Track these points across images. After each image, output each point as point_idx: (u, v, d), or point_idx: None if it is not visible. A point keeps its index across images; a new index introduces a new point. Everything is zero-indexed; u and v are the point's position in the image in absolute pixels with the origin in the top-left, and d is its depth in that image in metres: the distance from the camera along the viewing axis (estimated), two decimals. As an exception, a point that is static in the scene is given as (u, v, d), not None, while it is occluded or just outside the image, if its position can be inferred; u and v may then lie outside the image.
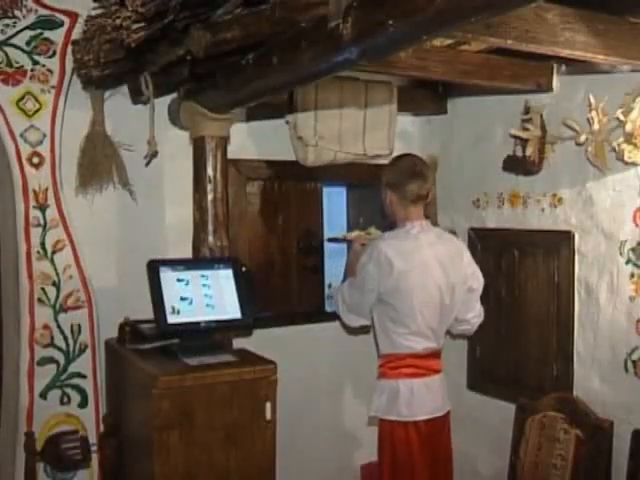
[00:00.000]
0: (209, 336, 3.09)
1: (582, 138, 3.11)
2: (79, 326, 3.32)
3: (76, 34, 3.14)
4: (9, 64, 3.14)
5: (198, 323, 2.98)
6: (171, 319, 2.93)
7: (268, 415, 2.86)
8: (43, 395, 3.26)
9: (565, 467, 3.11)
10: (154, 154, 3.28)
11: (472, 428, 3.85)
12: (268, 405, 2.86)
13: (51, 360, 3.28)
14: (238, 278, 3.10)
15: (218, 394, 2.80)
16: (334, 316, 4.19)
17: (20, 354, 3.24)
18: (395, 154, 3.82)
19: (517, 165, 3.52)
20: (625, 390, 3.07)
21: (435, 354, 3.10)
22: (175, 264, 3.06)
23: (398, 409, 3.00)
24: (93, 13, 2.78)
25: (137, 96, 3.33)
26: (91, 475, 3.32)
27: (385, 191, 3.09)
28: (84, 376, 3.33)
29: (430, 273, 3.02)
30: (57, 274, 3.28)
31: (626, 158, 2.93)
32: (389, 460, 3.05)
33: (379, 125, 3.77)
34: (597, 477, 3.04)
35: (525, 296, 3.56)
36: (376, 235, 3.34)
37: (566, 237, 3.31)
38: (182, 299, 2.98)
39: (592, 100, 3.02)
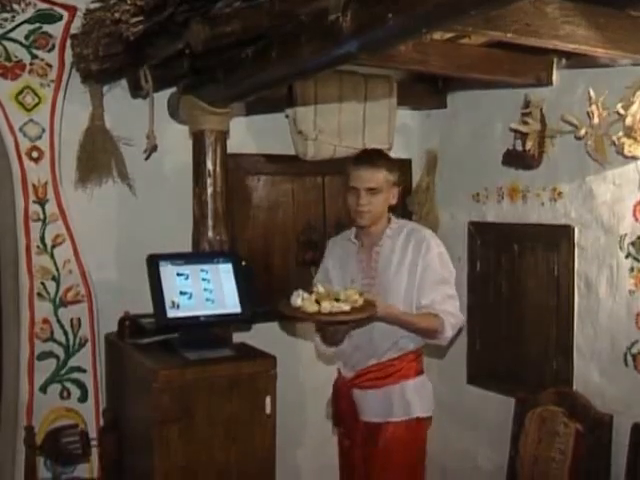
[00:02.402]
0: (209, 330, 3.09)
1: (582, 132, 3.10)
2: (79, 320, 3.32)
3: (75, 28, 3.13)
4: (8, 58, 3.14)
5: (198, 317, 2.98)
6: (171, 313, 2.93)
7: (268, 409, 2.87)
8: (43, 389, 3.26)
9: (564, 461, 3.11)
10: (153, 148, 3.27)
11: (472, 422, 3.86)
12: (268, 399, 2.86)
13: (51, 354, 3.28)
14: (238, 272, 3.10)
15: (218, 388, 2.80)
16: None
17: (20, 348, 3.24)
18: (395, 148, 3.83)
19: (517, 159, 3.52)
20: (625, 384, 3.08)
21: None
22: (175, 258, 3.06)
23: (431, 404, 3.00)
24: (92, 7, 2.78)
25: (136, 90, 3.33)
26: (91, 469, 3.32)
27: (393, 190, 2.91)
28: (84, 370, 3.33)
29: None
30: (57, 268, 3.28)
31: (626, 152, 2.92)
32: (423, 461, 3.04)
33: (379, 119, 3.77)
34: (597, 471, 3.05)
35: (525, 290, 3.56)
36: (354, 296, 2.55)
37: (566, 231, 3.31)
38: (182, 293, 2.98)
39: (592, 94, 3.02)
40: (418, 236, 2.89)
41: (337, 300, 2.51)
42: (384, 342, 2.89)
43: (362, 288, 2.76)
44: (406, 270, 2.86)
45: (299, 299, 2.51)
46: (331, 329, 2.73)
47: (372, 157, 2.89)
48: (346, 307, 2.48)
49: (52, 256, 3.27)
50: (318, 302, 2.52)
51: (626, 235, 3.06)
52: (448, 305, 2.84)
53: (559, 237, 3.35)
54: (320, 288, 2.57)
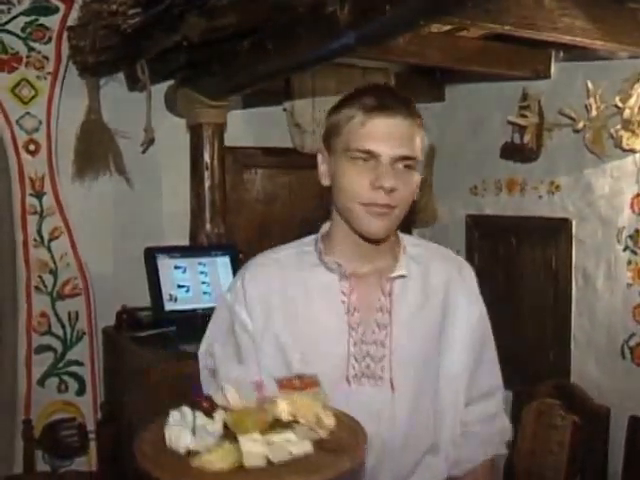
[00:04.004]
0: (207, 323, 3.08)
1: (580, 125, 3.10)
2: (76, 313, 3.32)
3: (72, 20, 3.12)
4: (4, 50, 3.13)
5: (195, 310, 2.98)
6: (168, 306, 2.94)
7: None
8: (41, 383, 3.26)
9: (561, 453, 3.11)
10: (151, 141, 3.27)
11: (469, 415, 3.86)
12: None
13: (49, 348, 3.28)
14: (235, 265, 3.10)
15: (216, 381, 2.80)
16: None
17: (18, 342, 3.24)
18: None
19: (515, 152, 3.51)
20: (621, 376, 3.08)
21: None
22: (172, 251, 3.06)
23: None
24: (88, -1, 2.77)
25: (133, 83, 3.31)
26: (89, 462, 3.32)
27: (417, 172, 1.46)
28: (82, 364, 3.33)
29: None
30: (54, 262, 3.27)
31: (624, 145, 2.92)
32: None
33: (376, 112, 3.75)
34: (594, 463, 3.05)
35: (522, 283, 3.56)
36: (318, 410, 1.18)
37: (564, 224, 3.31)
38: (179, 286, 2.99)
39: (590, 87, 3.01)
40: (461, 263, 1.63)
41: (279, 427, 1.13)
42: (411, 455, 1.49)
43: (354, 364, 1.44)
44: (448, 327, 1.54)
45: (186, 434, 1.18)
46: None
47: (401, 99, 1.44)
48: (305, 445, 1.10)
49: (49, 249, 3.27)
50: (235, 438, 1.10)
51: (624, 228, 3.06)
52: (502, 420, 1.77)
53: (557, 230, 3.34)
54: (231, 394, 1.22)
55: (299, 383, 1.30)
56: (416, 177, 1.43)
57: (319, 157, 1.49)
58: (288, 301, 1.47)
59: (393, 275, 1.47)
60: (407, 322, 1.47)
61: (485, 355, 1.66)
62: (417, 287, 1.50)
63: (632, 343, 3.04)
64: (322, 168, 1.48)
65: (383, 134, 1.37)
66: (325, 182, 1.48)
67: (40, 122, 3.23)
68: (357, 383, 1.43)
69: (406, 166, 1.39)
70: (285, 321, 1.46)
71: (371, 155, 1.37)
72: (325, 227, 1.54)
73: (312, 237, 1.55)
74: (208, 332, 1.63)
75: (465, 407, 1.57)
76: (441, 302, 1.52)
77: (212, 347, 1.58)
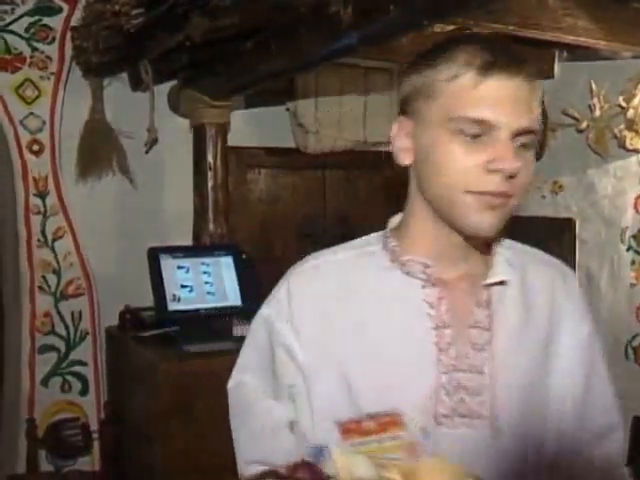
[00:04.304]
0: (210, 323, 3.09)
1: (583, 125, 3.10)
2: (80, 313, 3.32)
3: (75, 20, 3.13)
4: (8, 51, 3.13)
5: (198, 310, 2.98)
6: (171, 306, 2.94)
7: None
8: (44, 383, 3.26)
9: (565, 454, 3.11)
10: (154, 141, 3.28)
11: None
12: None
13: (52, 348, 3.28)
14: (238, 265, 3.10)
15: (218, 381, 2.76)
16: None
17: (21, 342, 3.24)
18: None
19: (518, 152, 3.51)
20: (625, 377, 3.07)
21: None
22: (175, 251, 3.06)
23: None
24: (92, -1, 2.77)
25: (137, 83, 3.32)
26: (92, 462, 3.33)
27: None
28: (85, 364, 3.33)
29: None
30: (57, 261, 3.27)
31: (627, 145, 2.92)
32: None
33: (380, 112, 3.76)
34: (597, 463, 3.05)
35: (526, 283, 3.55)
36: None
37: (567, 224, 3.31)
38: (182, 286, 2.99)
39: (593, 87, 3.01)
40: (564, 270, 1.28)
41: None
42: None
43: (445, 399, 1.07)
44: (552, 347, 1.17)
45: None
46: None
47: (520, 54, 1.06)
48: None
49: (53, 249, 3.27)
50: None
51: (627, 228, 3.06)
52: (619, 471, 1.31)
53: (560, 230, 3.34)
54: (337, 457, 0.87)
55: (373, 425, 0.95)
56: (532, 158, 1.08)
57: (395, 128, 1.13)
58: (352, 315, 1.11)
59: (490, 282, 1.13)
60: (510, 342, 1.11)
61: (596, 383, 1.25)
62: (516, 297, 1.16)
63: (635, 343, 3.03)
64: (400, 142, 1.12)
65: (503, 100, 1.01)
66: (405, 161, 1.12)
67: (44, 122, 3.23)
68: (449, 424, 1.07)
69: (523, 144, 1.04)
70: (349, 342, 1.10)
71: (486, 127, 1.01)
72: (395, 220, 1.19)
73: (376, 234, 1.19)
74: (240, 361, 1.30)
75: (572, 455, 1.17)
76: (546, 316, 1.17)
77: (245, 379, 1.26)
